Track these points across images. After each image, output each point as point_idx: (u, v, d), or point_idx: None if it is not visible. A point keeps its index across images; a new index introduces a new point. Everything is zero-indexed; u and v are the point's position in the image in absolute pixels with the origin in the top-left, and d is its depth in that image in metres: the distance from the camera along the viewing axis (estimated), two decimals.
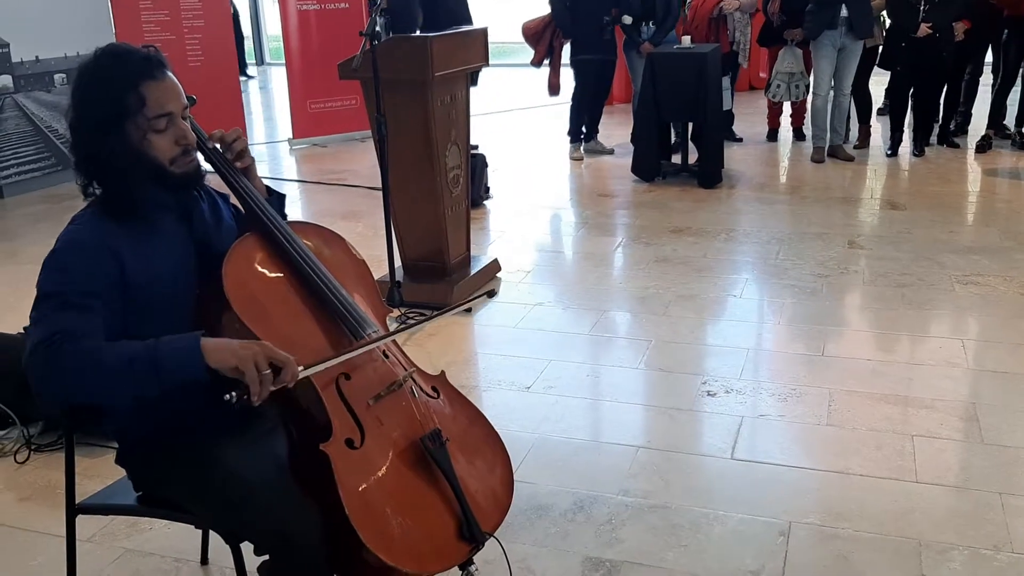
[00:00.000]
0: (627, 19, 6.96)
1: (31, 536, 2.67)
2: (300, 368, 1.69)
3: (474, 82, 7.83)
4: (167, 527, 2.62)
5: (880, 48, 7.01)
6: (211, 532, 2.36)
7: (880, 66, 7.05)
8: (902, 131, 7.09)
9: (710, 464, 2.94)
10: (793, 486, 2.79)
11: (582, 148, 7.52)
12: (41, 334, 1.63)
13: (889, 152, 7.04)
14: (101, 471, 2.85)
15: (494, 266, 4.74)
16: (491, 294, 2.06)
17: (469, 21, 7.51)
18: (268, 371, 1.63)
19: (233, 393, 1.61)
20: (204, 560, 2.50)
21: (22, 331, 3.24)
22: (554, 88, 7.47)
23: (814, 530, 2.57)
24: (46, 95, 6.89)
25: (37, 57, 6.81)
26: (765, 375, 3.54)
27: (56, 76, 6.97)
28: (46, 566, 2.50)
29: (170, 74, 1.81)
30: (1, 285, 4.85)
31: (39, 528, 2.69)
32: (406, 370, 1.97)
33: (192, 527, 2.29)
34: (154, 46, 1.84)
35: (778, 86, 7.17)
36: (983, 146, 7.02)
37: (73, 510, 2.03)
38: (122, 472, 2.01)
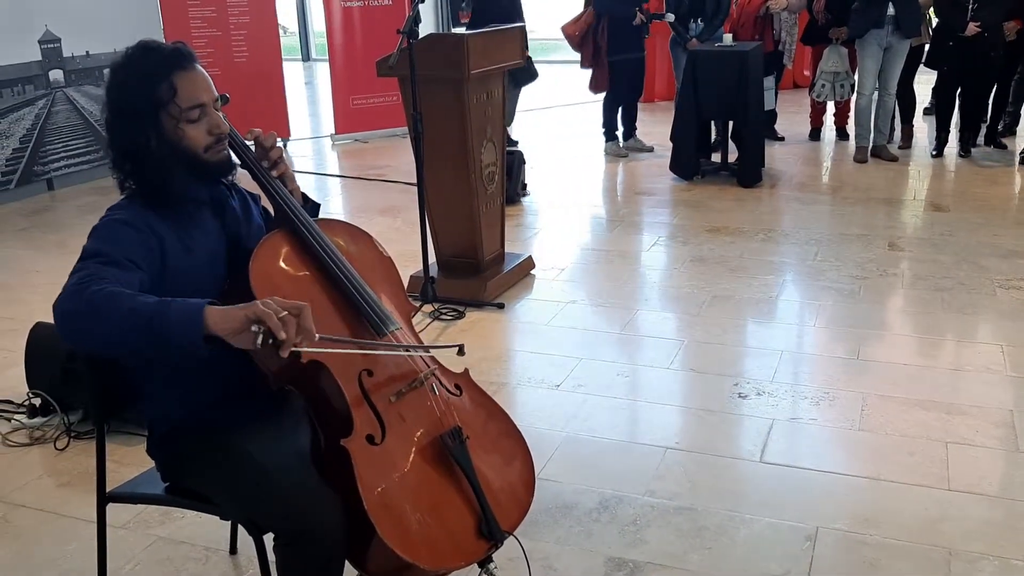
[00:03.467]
0: (670, 17, 6.92)
1: (68, 521, 2.74)
2: (318, 337, 1.65)
3: (532, 78, 7.90)
4: (198, 516, 2.65)
5: (926, 47, 6.89)
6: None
7: (926, 65, 6.93)
8: (948, 131, 6.96)
9: (739, 467, 2.92)
10: (822, 491, 2.76)
11: (621, 145, 7.49)
12: (76, 277, 1.64)
13: (934, 153, 6.92)
14: (136, 460, 2.91)
15: (528, 263, 4.75)
16: (460, 351, 2.00)
17: (521, 16, 7.55)
18: (285, 312, 1.57)
19: (258, 326, 1.54)
20: (233, 550, 2.54)
21: None
22: (599, 86, 7.42)
23: (842, 536, 2.54)
24: (95, 89, 7.03)
25: (88, 52, 6.96)
26: (798, 378, 3.50)
27: (106, 71, 7.11)
28: (80, 551, 2.56)
29: (199, 67, 1.85)
30: (48, 274, 4.97)
31: (75, 514, 2.76)
32: (428, 367, 1.98)
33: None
34: (182, 42, 1.89)
35: (823, 85, 7.07)
36: None
37: (104, 498, 2.08)
38: (154, 462, 2.05)
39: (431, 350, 2.06)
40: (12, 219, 6.15)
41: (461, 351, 2.03)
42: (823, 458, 2.94)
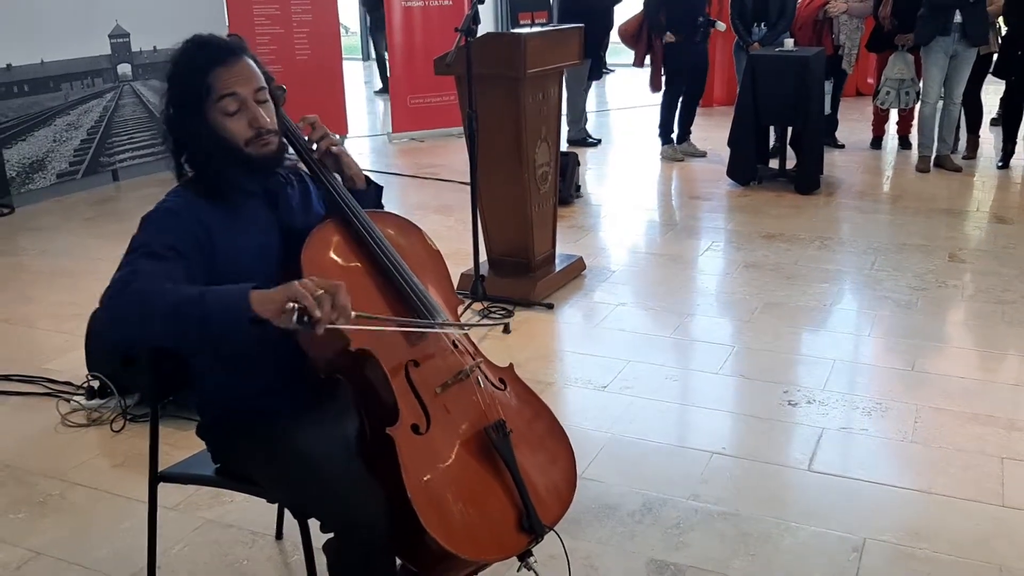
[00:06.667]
0: (720, 25, 6.92)
1: (121, 501, 2.81)
2: (354, 314, 1.68)
3: (598, 76, 7.91)
4: (246, 500, 2.71)
5: (995, 56, 6.72)
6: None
7: (994, 75, 6.76)
8: (1015, 143, 6.78)
9: (786, 474, 2.89)
10: (871, 502, 2.71)
11: (677, 149, 7.44)
12: (118, 275, 1.71)
13: (1000, 164, 6.74)
14: (188, 443, 2.94)
15: (579, 264, 4.74)
16: (506, 329, 2.03)
17: (610, 9, 7.59)
18: (322, 291, 1.61)
19: (294, 305, 1.57)
20: (279, 535, 2.59)
21: None
22: (656, 84, 7.41)
23: (889, 548, 2.49)
24: (161, 84, 7.18)
25: (155, 47, 7.13)
26: (850, 387, 3.44)
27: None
28: (132, 530, 2.63)
29: (246, 59, 1.88)
30: (110, 262, 4.99)
31: (129, 494, 2.83)
32: (474, 360, 2.00)
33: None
34: (237, 35, 1.93)
35: (887, 92, 6.93)
36: None
37: (155, 478, 2.14)
38: (204, 445, 2.09)
39: (469, 328, 2.07)
40: (79, 208, 6.33)
41: (507, 329, 2.05)
42: (873, 469, 2.89)
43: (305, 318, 1.58)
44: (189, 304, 1.63)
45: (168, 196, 1.89)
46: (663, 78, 7.23)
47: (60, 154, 6.61)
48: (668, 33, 6.95)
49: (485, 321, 3.83)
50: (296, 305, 1.58)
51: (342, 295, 1.63)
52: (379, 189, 2.17)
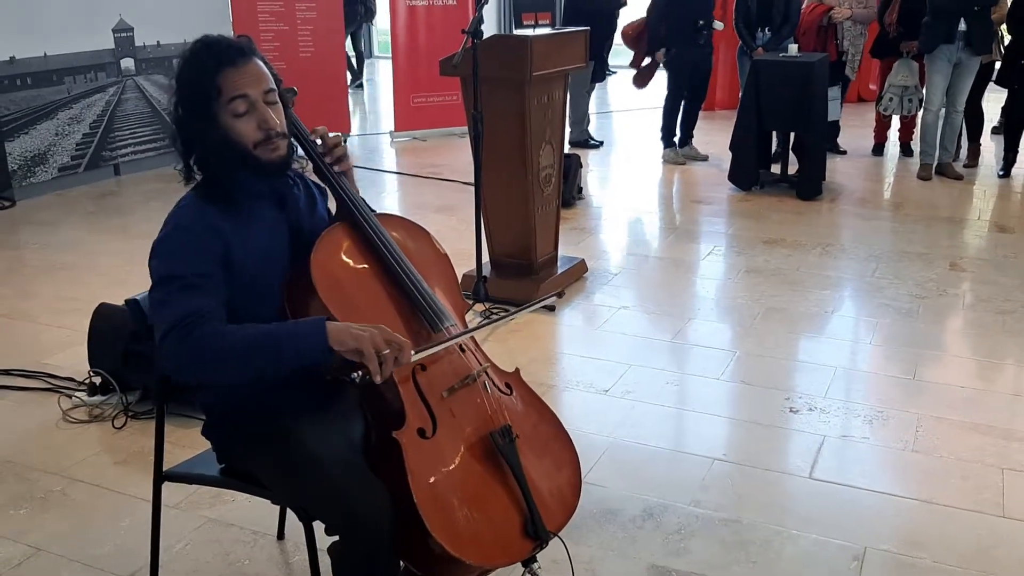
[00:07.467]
0: (719, 25, 6.94)
1: (122, 499, 2.81)
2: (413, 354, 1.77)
3: (601, 78, 7.92)
4: (248, 500, 2.72)
5: (997, 64, 6.74)
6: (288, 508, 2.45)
7: (997, 83, 6.76)
8: (1016, 151, 6.79)
9: (787, 482, 2.89)
10: (872, 510, 2.72)
11: (679, 153, 7.45)
12: (172, 318, 1.73)
13: (1001, 173, 6.75)
14: (192, 442, 2.96)
15: (580, 267, 4.74)
16: (560, 295, 2.07)
17: (616, 12, 7.61)
18: (387, 350, 1.71)
19: (359, 373, 1.70)
20: (280, 535, 2.59)
21: (124, 303, 3.41)
22: (641, 80, 7.44)
23: (890, 557, 2.50)
24: (164, 78, 7.19)
25: (158, 42, 7.12)
26: (852, 395, 3.45)
27: (175, 61, 7.26)
28: (133, 528, 2.63)
29: (256, 60, 1.87)
30: (112, 257, 5.10)
31: (130, 492, 2.83)
32: (480, 365, 2.00)
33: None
34: (247, 36, 1.93)
35: (890, 99, 6.94)
36: None
37: (160, 477, 2.14)
38: (209, 444, 2.09)
39: (504, 322, 2.18)
40: (80, 202, 6.32)
41: (561, 294, 2.12)
42: (874, 477, 2.90)
43: (367, 377, 1.71)
44: (268, 345, 1.73)
45: (177, 207, 1.88)
46: (659, 79, 7.28)
47: (62, 148, 6.61)
48: (660, 52, 7.03)
49: (489, 343, 3.82)
50: (358, 375, 1.71)
51: (406, 355, 1.75)
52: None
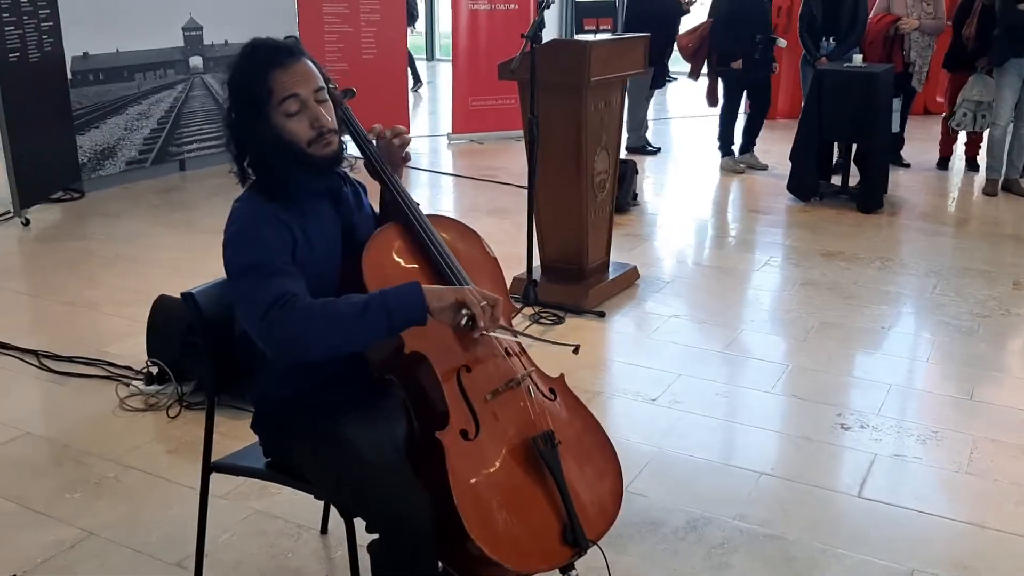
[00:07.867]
0: (782, 42, 6.87)
1: (172, 487, 2.87)
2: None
3: (660, 84, 7.91)
4: (294, 494, 2.70)
5: None
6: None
7: None
8: None
9: (835, 500, 2.84)
10: (921, 532, 2.66)
11: (737, 161, 7.37)
12: (266, 300, 1.76)
13: None
14: (241, 434, 3.00)
15: (632, 273, 4.72)
16: (575, 351, 2.07)
17: (677, 18, 7.58)
18: (486, 302, 1.79)
19: (465, 314, 1.77)
20: (324, 530, 2.62)
21: (180, 295, 3.50)
22: (713, 98, 7.38)
23: None
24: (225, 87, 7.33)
25: (226, 41, 7.27)
26: (905, 414, 3.38)
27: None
28: (180, 516, 2.68)
29: (304, 59, 1.91)
30: (176, 250, 5.22)
31: (180, 480, 2.90)
32: (525, 369, 2.00)
33: None
34: (294, 36, 1.96)
35: (964, 114, 6.75)
36: None
37: (208, 467, 2.18)
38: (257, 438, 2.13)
39: (543, 341, 2.24)
40: (145, 196, 6.48)
41: (576, 351, 2.10)
42: (925, 499, 2.83)
43: (471, 323, 1.78)
44: (374, 308, 1.75)
45: (238, 205, 1.92)
46: (720, 92, 7.21)
47: (130, 142, 6.78)
48: (738, 61, 6.95)
49: (556, 340, 3.82)
50: (467, 312, 1.78)
51: (499, 308, 1.83)
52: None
